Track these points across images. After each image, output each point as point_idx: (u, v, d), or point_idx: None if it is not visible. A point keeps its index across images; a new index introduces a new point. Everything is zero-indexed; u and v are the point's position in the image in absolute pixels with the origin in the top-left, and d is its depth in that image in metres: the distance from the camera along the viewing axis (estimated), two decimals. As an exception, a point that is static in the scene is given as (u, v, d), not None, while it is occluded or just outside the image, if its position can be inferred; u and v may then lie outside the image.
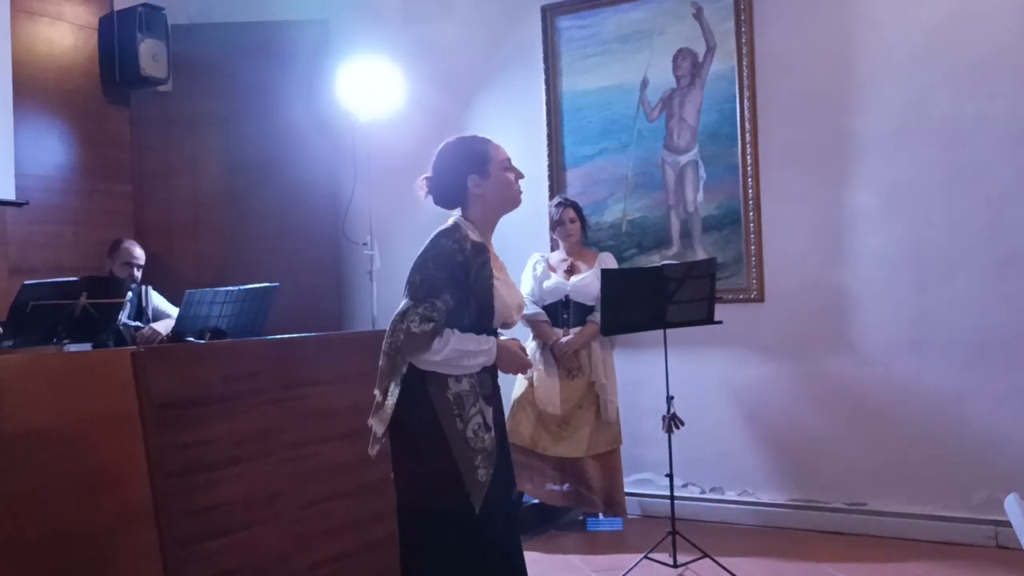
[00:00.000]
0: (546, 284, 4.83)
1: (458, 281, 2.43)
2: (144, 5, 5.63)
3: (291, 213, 5.84)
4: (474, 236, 2.51)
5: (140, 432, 2.98)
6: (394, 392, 2.45)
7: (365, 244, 5.52)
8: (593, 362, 4.78)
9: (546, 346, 4.81)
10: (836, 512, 4.63)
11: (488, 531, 2.44)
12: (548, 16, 5.40)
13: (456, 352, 2.41)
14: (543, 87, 5.41)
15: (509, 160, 2.65)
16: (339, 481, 3.45)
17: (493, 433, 2.45)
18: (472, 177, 2.57)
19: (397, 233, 5.66)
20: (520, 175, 2.66)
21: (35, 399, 2.80)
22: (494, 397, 2.54)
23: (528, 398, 4.77)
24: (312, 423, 3.43)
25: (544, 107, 5.40)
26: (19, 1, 5.32)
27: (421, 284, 2.42)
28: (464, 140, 2.65)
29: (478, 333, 2.46)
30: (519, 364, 2.55)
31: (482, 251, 2.49)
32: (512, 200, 2.64)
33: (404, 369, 2.43)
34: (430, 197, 2.63)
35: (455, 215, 2.59)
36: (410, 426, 2.45)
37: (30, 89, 5.36)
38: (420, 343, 2.38)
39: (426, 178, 2.63)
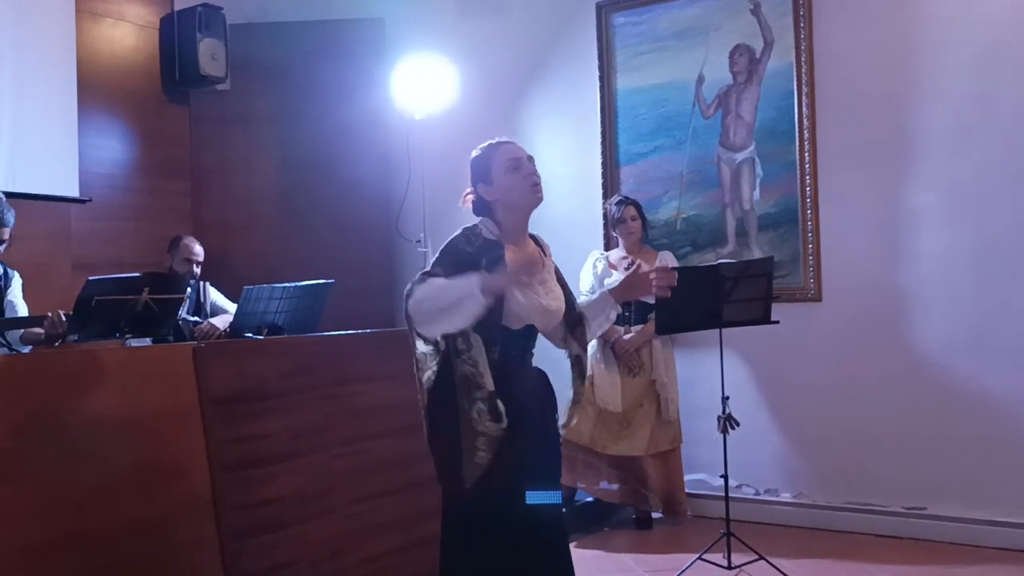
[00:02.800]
0: (607, 282, 4.81)
1: (460, 267, 2.46)
2: (203, 5, 5.71)
3: (345, 210, 5.89)
4: (489, 235, 2.57)
5: (199, 426, 3.04)
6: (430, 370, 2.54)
7: (418, 241, 5.55)
8: (654, 360, 4.76)
9: (607, 344, 4.79)
10: (894, 516, 4.54)
11: (488, 514, 2.49)
12: (603, 13, 5.37)
13: (433, 290, 2.39)
14: (597, 84, 5.38)
15: (516, 160, 2.60)
16: (390, 477, 3.47)
17: (503, 424, 2.44)
18: (480, 186, 2.63)
19: (450, 230, 5.57)
20: (530, 170, 2.60)
21: (98, 392, 2.86)
22: (513, 389, 2.51)
23: (588, 396, 4.77)
24: (365, 419, 3.46)
25: (598, 104, 5.38)
26: (83, 2, 5.44)
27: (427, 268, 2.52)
28: (479, 150, 2.67)
29: (491, 329, 2.46)
30: (526, 267, 2.48)
31: (495, 248, 2.54)
32: (521, 199, 2.60)
33: (417, 342, 2.51)
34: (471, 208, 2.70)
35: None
36: (435, 403, 2.55)
37: (93, 88, 5.48)
38: (408, 291, 2.44)
39: (469, 192, 2.70)
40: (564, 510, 4.66)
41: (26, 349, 4.06)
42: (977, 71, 4.37)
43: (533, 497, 2.50)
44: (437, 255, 2.57)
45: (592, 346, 4.80)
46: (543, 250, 2.72)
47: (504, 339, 2.52)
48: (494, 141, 2.68)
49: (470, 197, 2.68)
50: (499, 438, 2.45)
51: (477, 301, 2.35)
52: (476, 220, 2.65)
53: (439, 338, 2.51)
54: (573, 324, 2.74)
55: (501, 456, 2.46)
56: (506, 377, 2.50)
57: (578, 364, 2.76)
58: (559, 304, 2.65)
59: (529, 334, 2.62)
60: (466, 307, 2.36)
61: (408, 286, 2.47)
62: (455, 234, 2.60)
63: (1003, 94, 4.31)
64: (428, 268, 2.53)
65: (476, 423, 2.45)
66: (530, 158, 2.63)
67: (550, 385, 2.70)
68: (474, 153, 2.68)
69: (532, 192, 2.59)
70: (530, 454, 2.53)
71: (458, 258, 2.51)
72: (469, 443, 2.45)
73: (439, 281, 2.42)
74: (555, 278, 2.69)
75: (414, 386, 2.62)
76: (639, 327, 4.76)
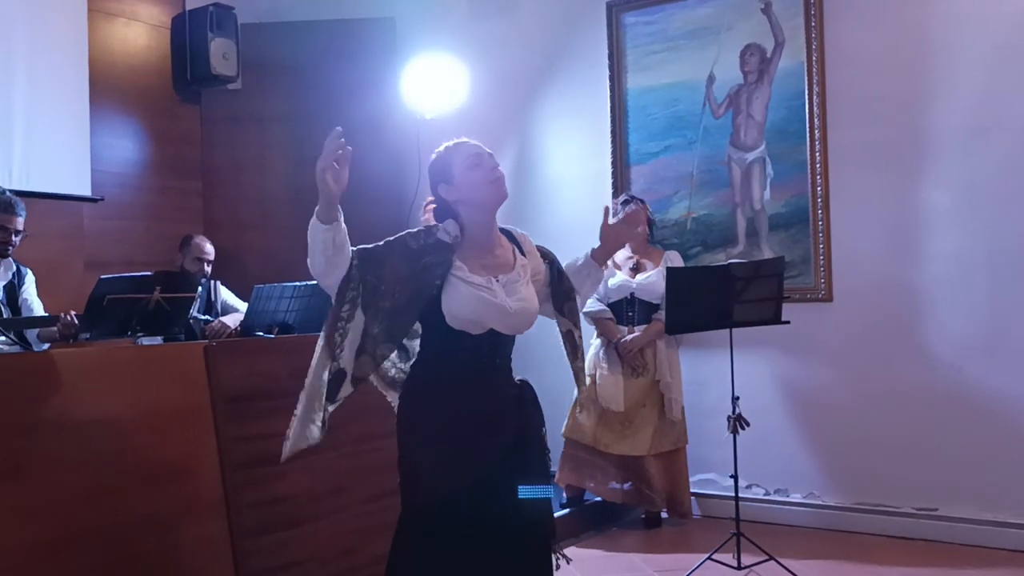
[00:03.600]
0: (611, 282, 4.82)
1: (393, 252, 2.45)
2: (215, 5, 5.72)
3: (356, 210, 5.78)
4: (445, 237, 2.48)
5: (211, 424, 3.05)
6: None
7: (429, 241, 5.54)
8: (658, 360, 4.75)
9: (610, 344, 4.79)
10: (905, 517, 4.53)
11: (403, 529, 2.47)
12: (614, 12, 5.37)
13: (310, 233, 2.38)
14: (608, 83, 5.38)
15: (477, 155, 2.51)
16: (401, 476, 3.47)
17: (331, 407, 2.43)
18: (440, 187, 2.54)
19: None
20: (491, 165, 2.50)
21: (110, 391, 2.87)
22: (474, 400, 2.43)
23: (590, 395, 4.76)
24: (375, 417, 3.44)
25: (609, 104, 5.37)
26: (95, 1, 5.46)
27: None
28: (434, 154, 2.60)
29: (433, 332, 2.45)
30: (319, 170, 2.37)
31: (443, 251, 2.45)
32: (484, 196, 2.49)
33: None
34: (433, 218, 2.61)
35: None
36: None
37: (105, 88, 5.50)
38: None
39: (429, 202, 2.67)
40: (567, 511, 4.75)
41: (44, 346, 4.09)
42: (990, 71, 4.35)
43: (485, 515, 2.40)
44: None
45: (595, 345, 4.82)
46: (519, 247, 2.59)
47: (468, 346, 2.41)
48: (451, 142, 2.59)
49: (431, 207, 2.61)
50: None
51: (318, 226, 2.33)
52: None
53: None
54: (561, 300, 2.64)
55: (453, 470, 2.38)
56: (465, 385, 2.42)
57: (570, 340, 2.66)
58: (526, 305, 2.47)
59: (495, 339, 2.46)
60: (316, 237, 2.35)
61: None
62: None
63: (1017, 94, 4.29)
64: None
65: (311, 387, 2.42)
66: (490, 155, 2.54)
67: (533, 398, 2.54)
68: (432, 156, 2.59)
69: (494, 188, 2.49)
70: (488, 469, 2.40)
71: (395, 245, 2.47)
72: (308, 409, 2.44)
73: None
74: (527, 278, 2.54)
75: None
76: (643, 327, 4.75)
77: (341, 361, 2.40)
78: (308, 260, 2.40)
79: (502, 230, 2.59)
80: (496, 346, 2.47)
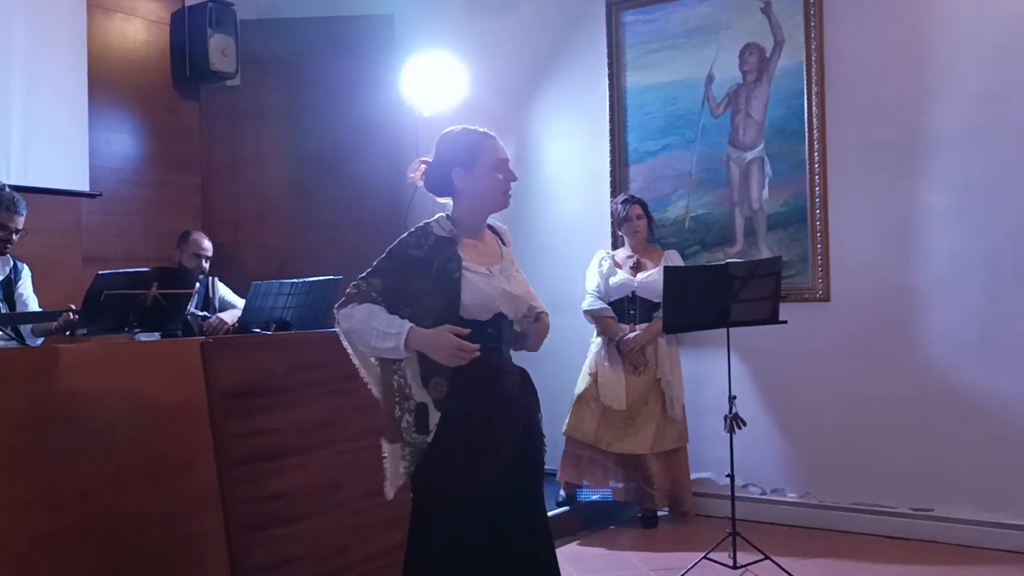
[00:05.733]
0: (612, 280, 4.82)
1: (405, 272, 2.46)
2: (214, 1, 5.71)
3: (355, 206, 5.90)
4: (441, 232, 2.50)
5: (207, 420, 3.05)
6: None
7: (427, 238, 5.54)
8: (659, 358, 4.76)
9: (611, 342, 4.80)
10: (900, 517, 4.53)
11: (425, 526, 2.47)
12: (613, 11, 5.37)
13: (363, 324, 2.42)
14: (607, 82, 5.38)
15: (506, 161, 2.57)
16: (398, 473, 3.47)
17: (428, 437, 2.41)
18: (456, 170, 2.55)
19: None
20: (512, 178, 2.57)
21: (107, 386, 2.87)
22: (456, 401, 2.43)
23: (592, 394, 4.77)
24: (372, 415, 3.43)
25: (607, 102, 5.37)
26: (94, -3, 5.46)
27: (369, 267, 2.50)
28: (462, 131, 2.61)
29: (446, 322, 2.43)
30: (449, 350, 2.36)
31: (447, 246, 2.48)
32: (494, 200, 2.55)
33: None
34: (422, 181, 2.62)
35: (442, 210, 2.60)
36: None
37: (104, 83, 5.49)
38: (342, 302, 2.46)
39: (423, 161, 2.64)
40: (565, 509, 4.76)
41: (38, 341, 4.09)
42: (990, 71, 4.35)
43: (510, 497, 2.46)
44: (383, 255, 2.51)
45: (597, 344, 4.83)
46: (502, 240, 2.66)
47: (477, 333, 2.43)
48: (481, 129, 2.61)
49: (422, 168, 2.61)
50: (423, 451, 2.41)
51: (398, 352, 2.39)
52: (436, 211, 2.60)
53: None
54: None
55: (472, 455, 2.41)
56: (480, 373, 2.43)
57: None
58: (523, 289, 2.57)
59: (500, 324, 2.52)
60: (387, 352, 2.42)
61: (346, 294, 2.47)
62: (406, 233, 2.54)
63: (1016, 94, 4.29)
64: (370, 271, 2.49)
65: (404, 432, 2.44)
66: (508, 161, 2.59)
67: (532, 384, 2.62)
68: (455, 129, 2.60)
69: (505, 199, 2.56)
70: (507, 453, 2.46)
71: (403, 263, 2.47)
72: (395, 452, 2.46)
73: (368, 310, 2.42)
74: (515, 267, 2.62)
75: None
76: (644, 325, 4.76)
77: (415, 398, 2.45)
78: (351, 336, 2.48)
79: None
80: (500, 331, 2.54)
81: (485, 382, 2.46)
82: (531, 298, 2.61)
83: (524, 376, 2.61)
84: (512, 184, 2.57)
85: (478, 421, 2.44)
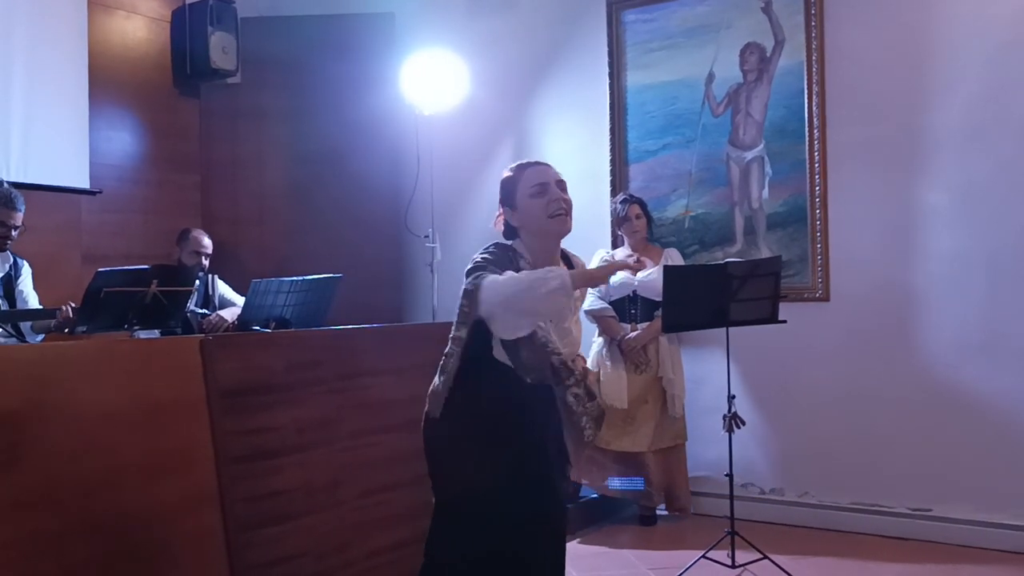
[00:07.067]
0: (613, 280, 4.81)
1: (510, 268, 2.43)
2: (215, -2, 5.73)
3: (354, 205, 5.90)
4: (524, 264, 2.48)
5: (206, 418, 3.05)
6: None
7: (427, 237, 5.55)
8: (661, 356, 4.77)
9: (612, 341, 4.80)
10: (899, 517, 4.54)
11: (482, 518, 2.47)
12: (613, 10, 5.37)
13: (515, 281, 2.32)
14: (607, 81, 5.37)
15: (542, 185, 2.49)
16: (397, 471, 3.48)
17: (598, 400, 2.53)
18: (506, 210, 2.55)
19: (459, 226, 5.69)
20: (555, 197, 2.48)
21: (107, 384, 2.87)
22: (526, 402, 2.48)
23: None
24: (371, 413, 3.47)
25: (608, 101, 5.37)
26: (95, -6, 5.47)
27: (473, 268, 2.44)
28: (509, 170, 2.59)
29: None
30: (613, 267, 2.51)
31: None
32: (542, 226, 2.49)
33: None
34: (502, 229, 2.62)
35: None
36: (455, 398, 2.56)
37: (104, 81, 5.49)
38: (477, 276, 2.37)
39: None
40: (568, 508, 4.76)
41: (38, 338, 4.09)
42: (989, 70, 4.35)
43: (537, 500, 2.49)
44: (480, 256, 2.45)
45: (598, 343, 4.83)
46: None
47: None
48: (524, 161, 2.59)
49: (501, 219, 2.59)
50: (601, 415, 2.48)
51: (567, 291, 2.31)
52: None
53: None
54: None
55: (512, 465, 2.43)
56: (509, 388, 2.46)
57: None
58: (575, 336, 2.62)
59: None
60: (555, 299, 2.31)
61: (469, 282, 2.37)
62: (490, 245, 2.50)
63: (1016, 94, 4.29)
64: (478, 263, 2.42)
65: (575, 405, 2.45)
66: (559, 182, 2.50)
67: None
68: (505, 174, 2.58)
69: (555, 222, 2.47)
70: (545, 466, 2.50)
71: (503, 259, 2.44)
72: (574, 424, 2.46)
73: (517, 274, 2.34)
74: (578, 306, 2.64)
75: (421, 380, 2.61)
76: (645, 325, 4.76)
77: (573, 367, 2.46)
78: (510, 300, 2.34)
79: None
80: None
81: (505, 394, 2.47)
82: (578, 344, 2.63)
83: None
84: (558, 202, 2.47)
85: (493, 423, 2.47)
